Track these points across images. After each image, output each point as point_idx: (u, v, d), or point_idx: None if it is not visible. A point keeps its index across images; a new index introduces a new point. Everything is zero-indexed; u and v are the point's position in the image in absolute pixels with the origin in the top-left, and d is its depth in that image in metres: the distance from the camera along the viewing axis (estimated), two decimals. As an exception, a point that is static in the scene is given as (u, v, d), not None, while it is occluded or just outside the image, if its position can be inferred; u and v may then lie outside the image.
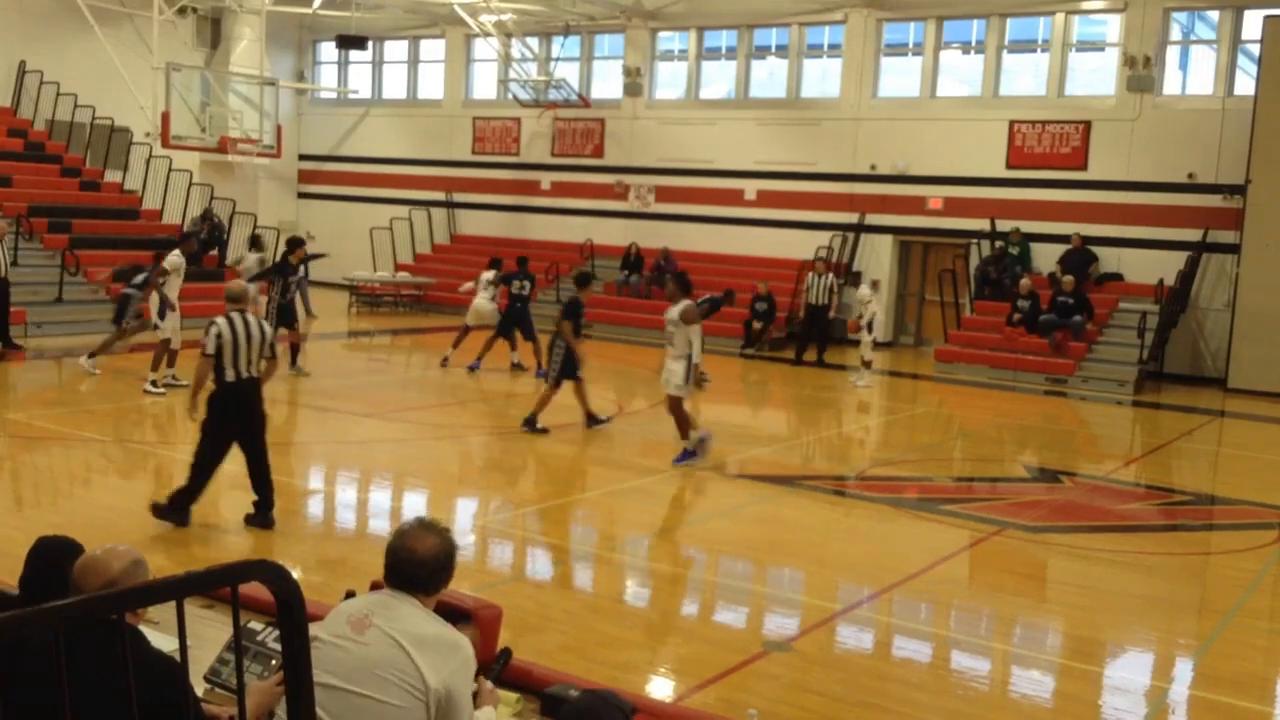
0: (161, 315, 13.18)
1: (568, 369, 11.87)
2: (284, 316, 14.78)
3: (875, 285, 17.90)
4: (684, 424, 10.79)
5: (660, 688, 5.85)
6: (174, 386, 12.87)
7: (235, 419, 7.92)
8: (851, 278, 20.91)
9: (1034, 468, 12.54)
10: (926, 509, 9.86)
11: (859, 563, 8.25)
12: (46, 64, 22.30)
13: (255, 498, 8.06)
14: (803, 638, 6.66)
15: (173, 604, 2.31)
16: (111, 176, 22.05)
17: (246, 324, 7.91)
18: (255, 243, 17.11)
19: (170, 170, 22.38)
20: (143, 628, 3.10)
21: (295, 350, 15.17)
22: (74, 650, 2.69)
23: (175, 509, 7.82)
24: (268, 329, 8.06)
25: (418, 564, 3.25)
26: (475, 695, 3.47)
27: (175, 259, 13.41)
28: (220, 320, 7.89)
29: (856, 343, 21.28)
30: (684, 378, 10.64)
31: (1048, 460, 13.04)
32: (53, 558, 3.38)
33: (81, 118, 22.33)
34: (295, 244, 15.43)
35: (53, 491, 8.99)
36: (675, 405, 10.77)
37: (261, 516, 8.06)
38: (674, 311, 10.73)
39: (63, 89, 22.23)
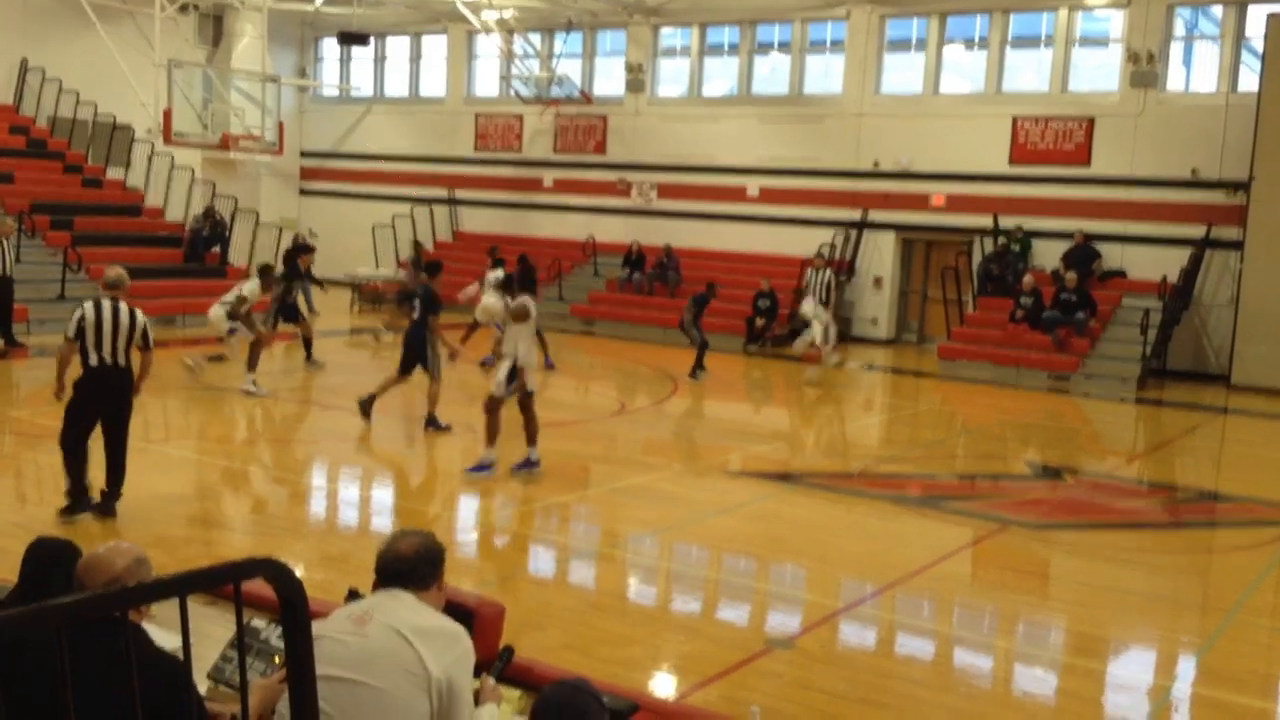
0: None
1: (431, 361, 11.49)
2: (289, 315, 15.25)
3: (829, 294, 18.02)
4: (492, 430, 9.83)
5: (663, 685, 5.85)
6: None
7: (96, 403, 7.87)
8: (800, 293, 20.73)
9: (1037, 465, 12.54)
10: (929, 506, 9.86)
11: (861, 560, 8.25)
12: (48, 61, 22.31)
13: (105, 486, 7.98)
14: (805, 635, 6.66)
15: (175, 601, 2.31)
16: (114, 174, 22.06)
17: (115, 311, 7.83)
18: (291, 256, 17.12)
19: (172, 167, 22.40)
20: (146, 625, 3.10)
21: (308, 345, 15.58)
22: (77, 648, 2.69)
23: (74, 503, 7.83)
24: (140, 319, 7.92)
25: (403, 559, 3.36)
26: (477, 693, 3.49)
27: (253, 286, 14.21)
28: (87, 304, 7.86)
29: (860, 339, 21.34)
30: (505, 378, 9.77)
31: (1050, 457, 13.04)
32: (48, 559, 3.39)
33: (83, 115, 22.34)
34: (303, 249, 15.78)
35: (55, 489, 8.99)
36: (491, 405, 9.87)
37: (106, 505, 7.96)
38: (492, 303, 10.25)
39: (64, 86, 22.24)
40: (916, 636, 6.92)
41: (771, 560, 8.17)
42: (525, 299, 9.91)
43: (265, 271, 14.44)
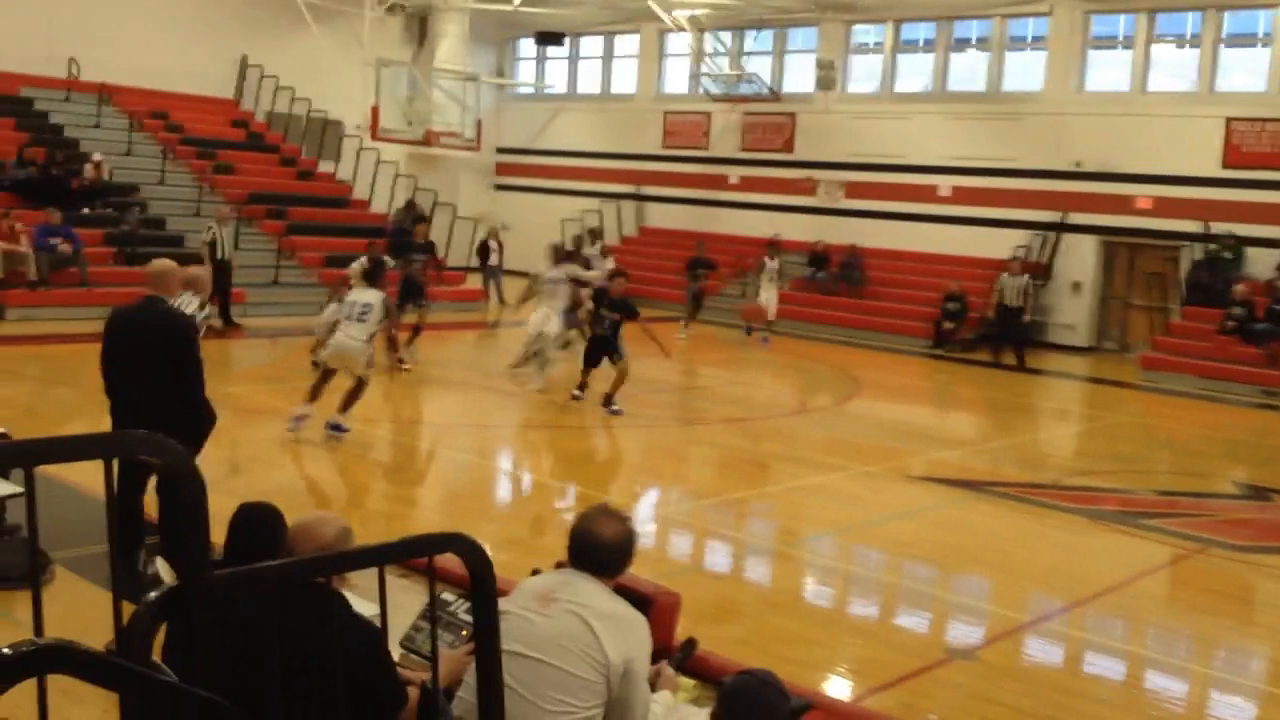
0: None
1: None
2: (408, 290, 14.20)
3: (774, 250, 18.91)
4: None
5: (838, 687, 5.81)
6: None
7: None
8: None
9: (1244, 484, 11.82)
10: (1124, 522, 9.43)
11: (1050, 573, 7.96)
12: (266, 59, 23.60)
13: None
14: (988, 647, 6.48)
15: (374, 571, 2.44)
16: (324, 167, 23.22)
17: None
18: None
19: (378, 162, 23.40)
20: (346, 593, 3.28)
21: (416, 333, 14.29)
22: (285, 610, 2.86)
23: None
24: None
25: (600, 548, 3.38)
26: (654, 680, 3.54)
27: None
28: None
29: (1056, 346, 20.56)
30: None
31: (1259, 477, 12.26)
32: (254, 523, 3.61)
33: (298, 110, 23.59)
34: (418, 219, 15.56)
35: (265, 462, 9.55)
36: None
37: None
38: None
39: (281, 83, 23.52)
40: (1105, 655, 6.64)
41: (954, 568, 7.98)
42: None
43: (374, 269, 10.90)
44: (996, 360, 18.54)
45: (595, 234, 17.81)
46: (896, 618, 7.04)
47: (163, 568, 4.42)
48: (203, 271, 6.72)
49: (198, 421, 6.25)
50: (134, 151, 20.22)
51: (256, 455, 9.70)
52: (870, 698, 5.59)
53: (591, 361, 12.28)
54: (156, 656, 2.07)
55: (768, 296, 19.24)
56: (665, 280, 22.77)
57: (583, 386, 12.34)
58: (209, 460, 6.41)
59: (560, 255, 14.17)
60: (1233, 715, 5.99)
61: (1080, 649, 6.65)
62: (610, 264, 16.25)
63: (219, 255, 15.96)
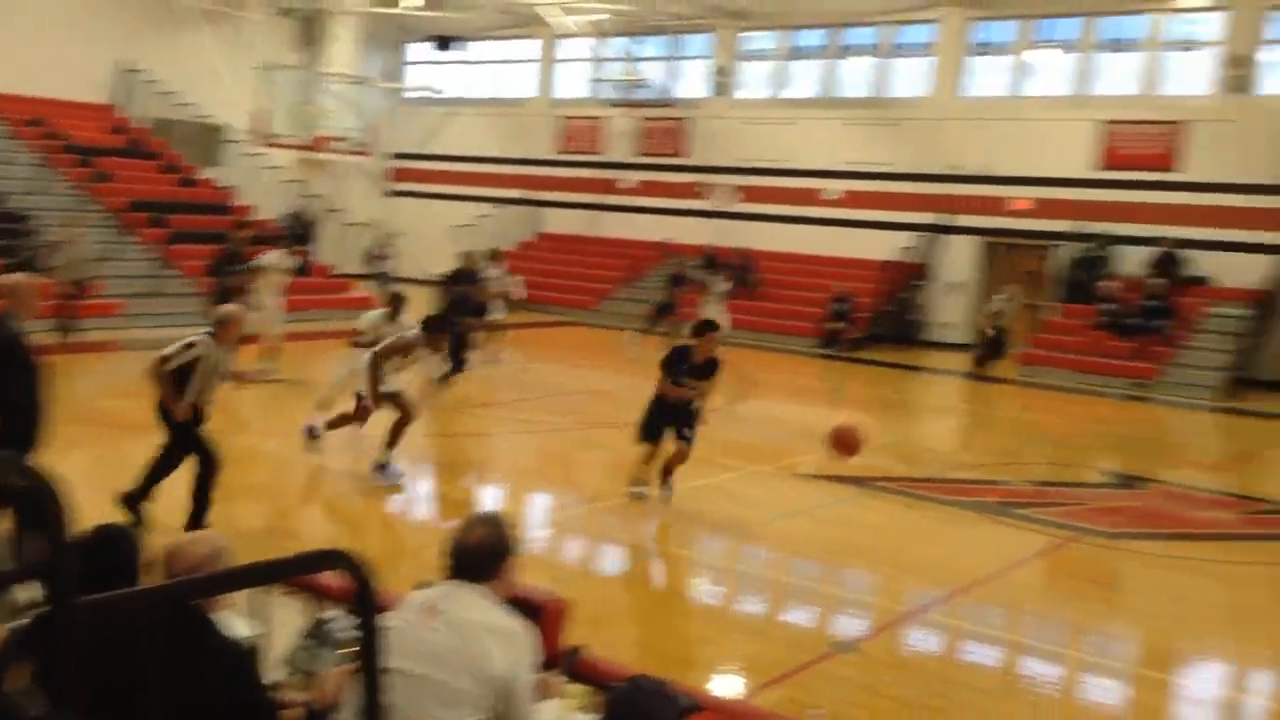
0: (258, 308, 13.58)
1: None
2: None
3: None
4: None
5: (727, 685, 5.93)
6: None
7: None
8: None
9: (1114, 473, 12.34)
10: (1002, 513, 9.78)
11: (932, 565, 8.22)
12: (150, 63, 22.96)
13: None
14: (871, 639, 6.69)
15: (254, 590, 2.46)
16: (209, 173, 22.70)
17: None
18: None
19: (265, 168, 22.97)
20: (225, 613, 3.26)
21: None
22: (149, 635, 2.84)
23: None
24: None
25: (467, 553, 3.43)
26: (541, 687, 3.58)
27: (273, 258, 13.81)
28: None
29: (937, 344, 21.12)
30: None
31: (1129, 466, 12.82)
32: (110, 546, 3.51)
33: (181, 115, 23.02)
34: (241, 225, 14.83)
35: (131, 474, 9.31)
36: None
37: None
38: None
39: (162, 87, 22.94)
40: (985, 644, 6.90)
41: (841, 564, 8.19)
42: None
43: (434, 326, 9.65)
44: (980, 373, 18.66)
45: (496, 255, 17.63)
46: (784, 614, 7.21)
47: (21, 593, 4.28)
48: (21, 280, 6.37)
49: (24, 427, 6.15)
50: (10, 160, 19.54)
51: (126, 470, 9.44)
52: (759, 694, 5.73)
53: (652, 434, 9.13)
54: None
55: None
56: (561, 286, 22.81)
57: (644, 481, 9.29)
58: (77, 477, 6.27)
59: (450, 279, 13.89)
60: (1106, 698, 6.27)
61: (960, 639, 6.89)
62: (509, 278, 16.24)
63: (55, 265, 15.41)
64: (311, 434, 9.94)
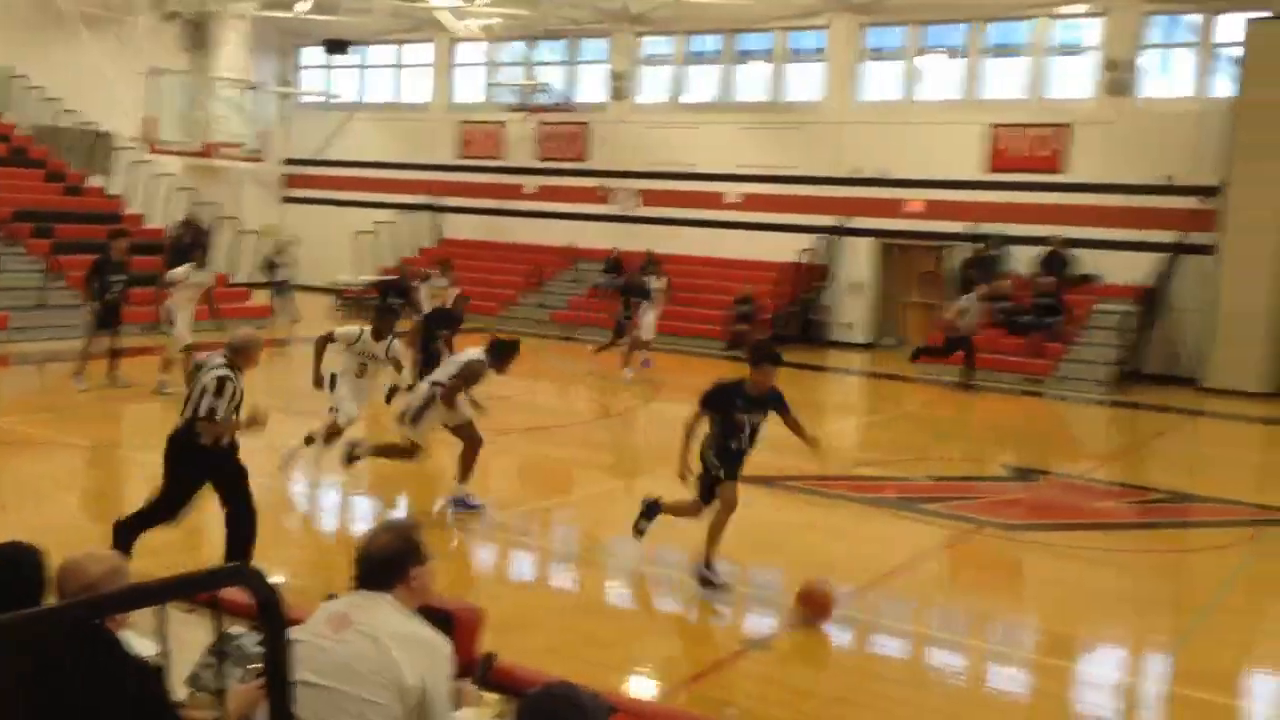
0: (171, 322, 13.12)
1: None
2: (107, 316, 13.29)
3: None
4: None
5: (642, 686, 5.93)
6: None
7: None
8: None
9: (1012, 466, 12.67)
10: (905, 508, 9.97)
11: (838, 561, 8.33)
12: (30, 69, 22.23)
13: None
14: (781, 636, 6.75)
15: (154, 609, 2.38)
16: (96, 181, 22.02)
17: None
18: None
19: (155, 175, 22.36)
20: (124, 632, 3.15)
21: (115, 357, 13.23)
22: (51, 655, 2.74)
23: None
24: None
25: (370, 560, 3.39)
26: (457, 697, 3.53)
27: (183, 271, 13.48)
28: None
29: (837, 344, 21.46)
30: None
31: (1025, 459, 13.17)
32: (11, 566, 3.39)
33: (66, 123, 22.29)
34: (117, 234, 14.27)
35: (35, 496, 9.01)
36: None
37: None
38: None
39: (47, 94, 22.19)
40: (892, 636, 7.01)
41: (750, 562, 8.25)
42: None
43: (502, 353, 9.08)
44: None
45: (445, 265, 17.33)
46: (695, 614, 7.23)
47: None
48: None
49: None
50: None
51: (26, 490, 9.13)
52: (674, 694, 5.74)
53: (707, 496, 7.63)
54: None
55: (649, 320, 17.62)
56: (465, 292, 22.52)
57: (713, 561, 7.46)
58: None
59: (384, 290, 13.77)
60: (1010, 686, 6.42)
61: (868, 632, 6.99)
62: (453, 289, 15.93)
63: None
64: (351, 458, 9.35)
